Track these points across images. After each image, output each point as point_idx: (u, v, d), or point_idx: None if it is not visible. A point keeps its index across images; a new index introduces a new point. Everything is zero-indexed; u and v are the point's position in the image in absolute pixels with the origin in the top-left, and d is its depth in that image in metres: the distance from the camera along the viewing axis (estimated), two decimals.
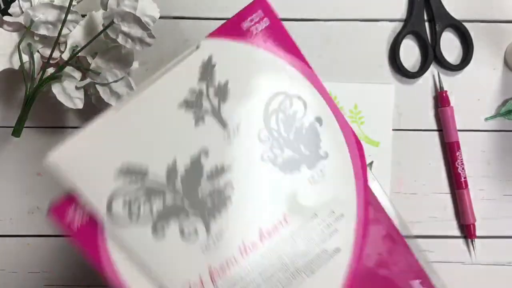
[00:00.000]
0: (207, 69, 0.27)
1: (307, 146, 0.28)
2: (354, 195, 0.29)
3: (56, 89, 0.42)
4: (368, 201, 0.29)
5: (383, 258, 0.30)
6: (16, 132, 0.42)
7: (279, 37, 0.27)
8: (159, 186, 0.27)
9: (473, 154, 0.48)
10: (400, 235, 0.31)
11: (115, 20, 0.40)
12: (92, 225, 0.27)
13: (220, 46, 0.27)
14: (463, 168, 0.47)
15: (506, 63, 0.49)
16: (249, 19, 0.27)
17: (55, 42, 0.41)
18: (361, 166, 0.29)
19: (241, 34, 0.27)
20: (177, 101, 0.27)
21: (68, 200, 0.26)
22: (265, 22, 0.27)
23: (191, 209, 0.27)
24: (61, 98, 0.42)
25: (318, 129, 0.28)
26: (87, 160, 0.26)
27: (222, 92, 0.27)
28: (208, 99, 0.27)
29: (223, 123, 0.27)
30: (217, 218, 0.27)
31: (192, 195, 0.27)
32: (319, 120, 0.28)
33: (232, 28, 0.27)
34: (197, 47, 0.27)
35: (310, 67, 0.28)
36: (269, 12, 0.27)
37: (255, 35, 0.27)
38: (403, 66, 0.48)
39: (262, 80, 0.27)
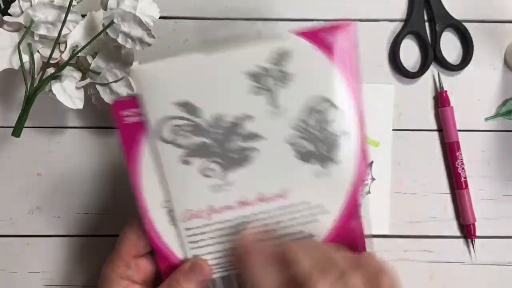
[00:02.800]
0: (282, 57, 0.32)
1: (327, 148, 0.34)
2: (343, 201, 0.34)
3: (56, 89, 0.42)
4: (351, 211, 0.35)
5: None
6: (16, 132, 0.42)
7: (348, 58, 0.33)
8: (204, 128, 0.33)
9: (473, 154, 0.48)
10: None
11: (115, 20, 0.40)
12: (139, 128, 0.33)
13: (301, 44, 0.32)
14: (463, 168, 0.47)
15: (506, 63, 0.49)
16: (334, 35, 0.32)
17: (55, 42, 0.41)
18: (359, 183, 0.34)
19: (321, 43, 0.32)
20: (248, 70, 0.32)
21: (132, 101, 0.33)
22: (344, 43, 0.32)
23: (217, 156, 0.33)
24: (61, 98, 0.42)
25: (341, 140, 0.34)
26: (162, 82, 0.32)
27: (285, 79, 0.33)
28: (272, 79, 0.32)
29: (273, 103, 0.33)
30: (233, 171, 0.34)
31: (223, 146, 0.33)
32: (346, 134, 0.34)
33: (317, 35, 0.32)
34: (285, 37, 0.32)
35: (358, 90, 0.33)
36: (351, 36, 0.33)
37: (331, 49, 0.32)
38: (403, 66, 0.48)
39: (319, 84, 0.33)
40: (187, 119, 0.33)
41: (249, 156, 0.34)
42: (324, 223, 0.35)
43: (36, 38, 0.42)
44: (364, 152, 0.34)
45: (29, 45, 0.43)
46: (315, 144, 0.34)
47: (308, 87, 0.33)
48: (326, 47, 0.32)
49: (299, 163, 0.34)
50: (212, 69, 0.32)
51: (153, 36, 0.41)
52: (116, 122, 0.33)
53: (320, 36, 0.32)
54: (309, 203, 0.34)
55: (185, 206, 0.34)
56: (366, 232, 0.35)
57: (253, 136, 0.33)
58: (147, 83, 0.32)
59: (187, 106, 0.33)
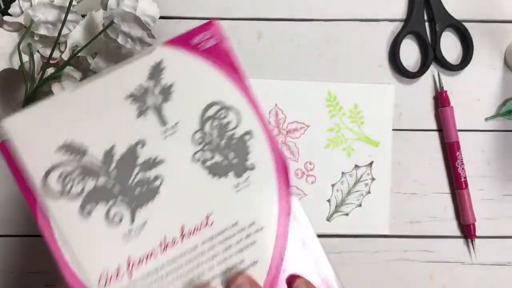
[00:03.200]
0: (156, 71, 0.30)
1: (236, 155, 0.31)
2: (276, 210, 0.31)
3: (56, 89, 0.42)
4: (289, 218, 0.31)
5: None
6: None
7: (223, 55, 0.31)
8: (95, 168, 0.29)
9: (473, 154, 0.48)
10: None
11: (115, 20, 0.40)
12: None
13: (171, 54, 0.31)
14: (463, 168, 0.47)
15: (506, 63, 0.49)
16: (199, 36, 0.31)
17: (55, 42, 0.41)
18: (286, 183, 0.31)
19: (191, 47, 0.31)
20: (125, 93, 0.30)
21: None
22: (213, 42, 0.31)
23: (120, 195, 0.29)
24: None
25: (248, 142, 0.31)
26: (34, 131, 0.29)
27: (166, 93, 0.30)
28: (153, 96, 0.30)
29: (162, 120, 0.30)
30: (143, 209, 0.29)
31: (123, 182, 0.29)
32: (249, 133, 0.31)
33: (184, 41, 0.31)
34: (152, 51, 0.31)
35: (245, 84, 0.32)
36: (217, 34, 0.31)
37: (202, 51, 0.31)
38: (403, 66, 0.48)
39: (203, 89, 0.31)
40: (72, 162, 0.29)
41: (155, 186, 0.30)
42: (264, 243, 0.30)
43: (36, 38, 0.42)
44: (276, 148, 0.31)
45: (29, 45, 0.43)
46: (221, 153, 0.31)
47: (192, 95, 0.31)
48: (197, 50, 0.31)
49: (212, 180, 0.30)
50: (85, 101, 0.29)
51: (153, 36, 0.41)
52: (9, 167, 0.29)
53: (188, 41, 0.31)
54: (239, 223, 0.30)
55: (99, 269, 0.29)
56: (323, 255, 0.32)
57: (153, 163, 0.30)
58: (17, 135, 0.28)
59: (69, 148, 0.29)
